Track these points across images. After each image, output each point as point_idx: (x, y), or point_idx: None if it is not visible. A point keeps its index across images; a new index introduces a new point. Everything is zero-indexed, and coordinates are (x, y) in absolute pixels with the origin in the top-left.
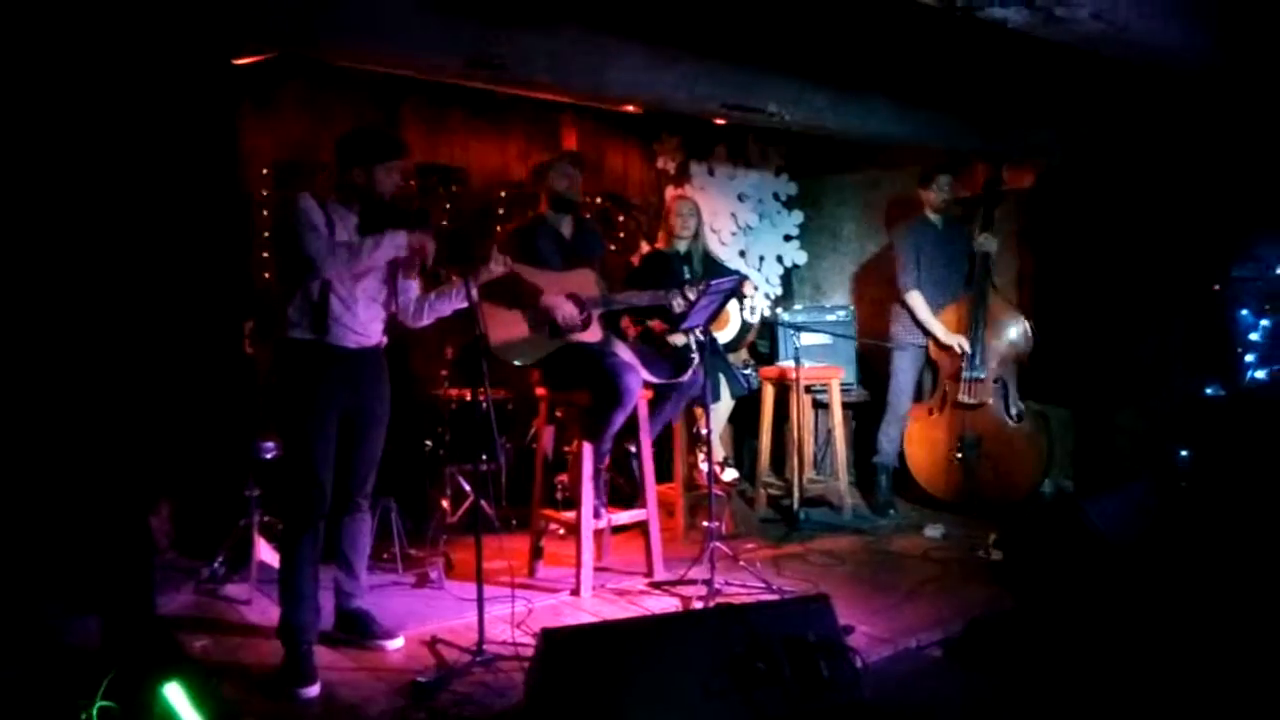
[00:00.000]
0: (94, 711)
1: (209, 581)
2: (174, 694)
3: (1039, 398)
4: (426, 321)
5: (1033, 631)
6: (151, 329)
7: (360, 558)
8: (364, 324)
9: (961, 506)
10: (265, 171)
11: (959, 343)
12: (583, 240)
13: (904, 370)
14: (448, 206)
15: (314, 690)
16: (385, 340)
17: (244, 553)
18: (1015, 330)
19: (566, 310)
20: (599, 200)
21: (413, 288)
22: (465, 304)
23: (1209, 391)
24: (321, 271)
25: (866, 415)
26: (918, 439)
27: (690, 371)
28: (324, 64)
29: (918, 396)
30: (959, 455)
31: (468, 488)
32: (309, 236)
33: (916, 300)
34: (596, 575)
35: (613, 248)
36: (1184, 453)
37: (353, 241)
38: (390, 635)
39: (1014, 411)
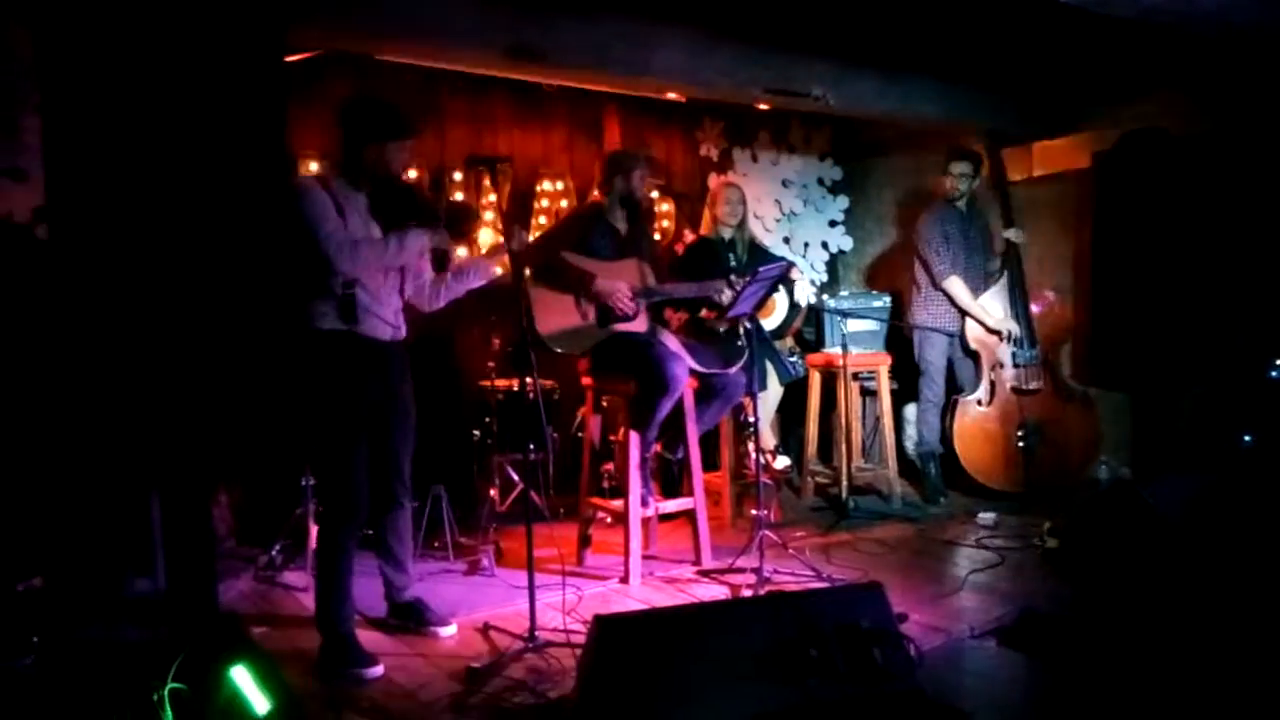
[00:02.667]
0: (165, 693)
1: (267, 569)
2: (241, 677)
3: (1097, 382)
4: (441, 305)
5: (1090, 620)
6: (213, 319)
7: (407, 552)
8: (392, 314)
9: (1014, 494)
10: (314, 168)
11: (1009, 328)
12: (635, 235)
13: (933, 358)
14: (492, 197)
15: (379, 670)
16: (404, 332)
17: (301, 541)
18: (1060, 309)
19: (621, 292)
20: None
21: (425, 272)
22: (483, 282)
23: (1274, 374)
24: (340, 273)
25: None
26: (970, 434)
27: (738, 366)
28: (370, 59)
29: (955, 388)
30: (1021, 442)
31: (516, 477)
32: (323, 236)
33: (957, 286)
34: (645, 563)
35: (657, 236)
36: (1248, 437)
37: (373, 236)
38: (444, 622)
39: (1064, 391)
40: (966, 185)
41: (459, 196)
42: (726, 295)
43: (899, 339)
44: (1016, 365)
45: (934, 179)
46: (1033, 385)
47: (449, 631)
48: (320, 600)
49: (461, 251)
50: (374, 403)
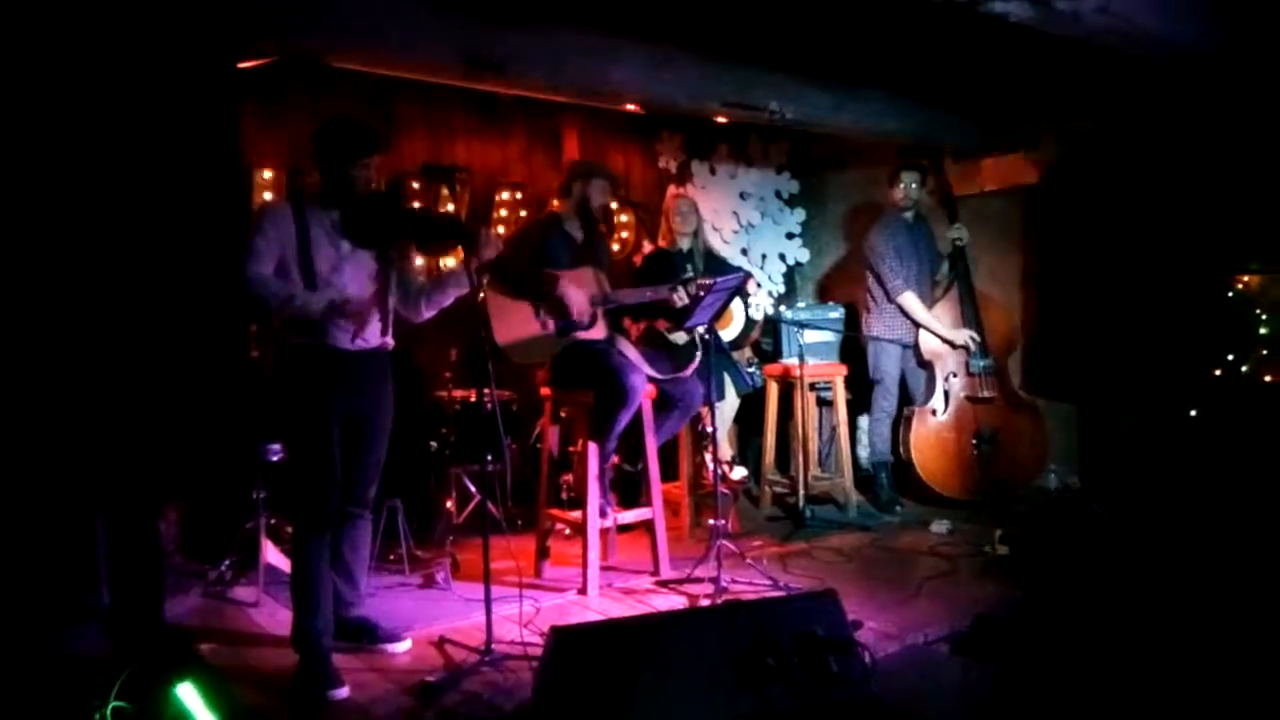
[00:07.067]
0: (108, 712)
1: (216, 584)
2: (187, 694)
3: (1044, 393)
4: (429, 314)
5: (1041, 626)
6: (158, 333)
7: (361, 566)
8: (360, 325)
9: (967, 502)
10: (268, 175)
11: (969, 337)
12: (591, 244)
13: (887, 368)
14: (450, 207)
15: (344, 692)
16: (390, 343)
17: (251, 555)
18: (1004, 317)
19: (579, 301)
20: None
21: (412, 281)
22: (466, 289)
23: (1212, 384)
24: (250, 293)
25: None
26: (927, 444)
27: (692, 369)
28: (325, 67)
29: (907, 398)
30: (976, 450)
31: (473, 488)
32: (249, 258)
33: (911, 301)
34: (603, 574)
35: (616, 248)
36: (1190, 445)
37: (340, 252)
38: (395, 639)
39: (1014, 399)
40: (916, 194)
41: (450, 208)
42: (681, 298)
43: (853, 350)
44: (971, 374)
45: (884, 191)
46: (987, 393)
47: (402, 648)
48: (295, 615)
49: (450, 261)
50: (344, 413)
